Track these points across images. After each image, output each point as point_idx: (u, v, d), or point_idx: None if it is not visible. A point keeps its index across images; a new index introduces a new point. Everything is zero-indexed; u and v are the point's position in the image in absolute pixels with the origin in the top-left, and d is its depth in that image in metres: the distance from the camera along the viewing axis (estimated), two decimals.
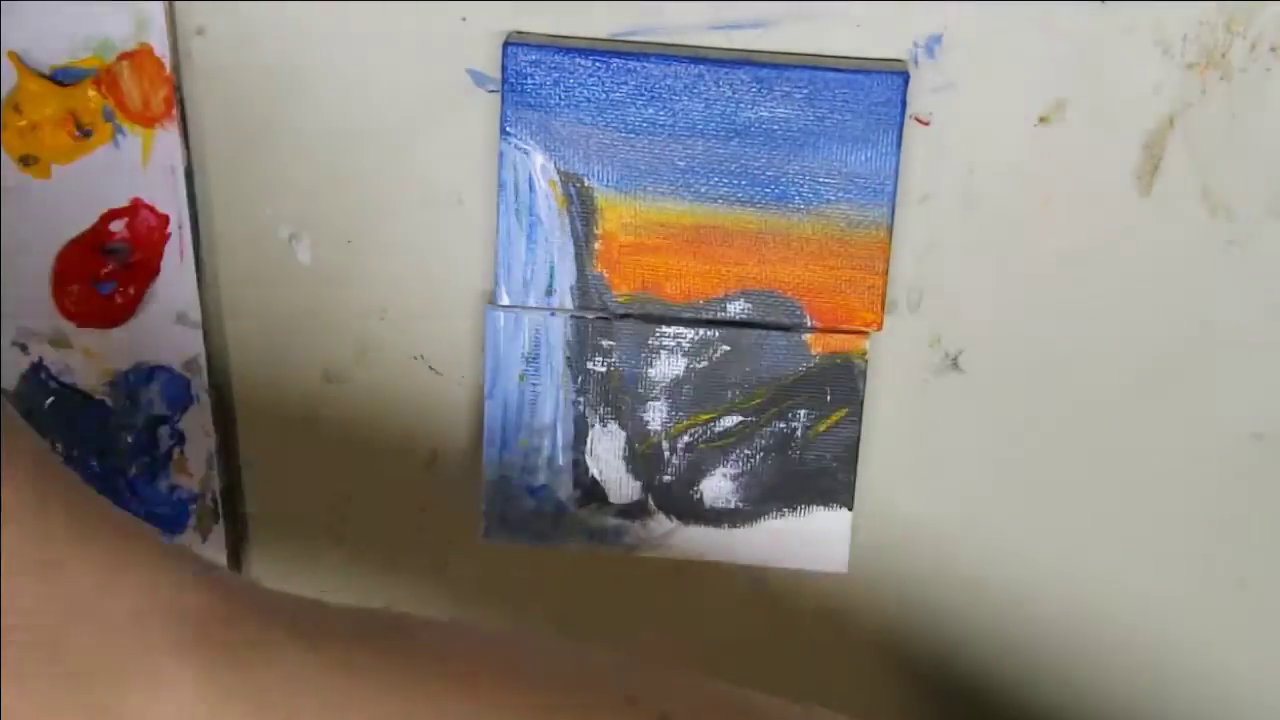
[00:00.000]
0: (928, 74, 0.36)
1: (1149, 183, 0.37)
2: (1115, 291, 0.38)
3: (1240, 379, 0.38)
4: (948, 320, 0.38)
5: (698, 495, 0.38)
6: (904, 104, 0.35)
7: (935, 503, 0.40)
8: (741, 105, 0.36)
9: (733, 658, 0.42)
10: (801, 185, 0.36)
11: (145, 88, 0.37)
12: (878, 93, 0.35)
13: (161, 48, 0.37)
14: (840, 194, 0.36)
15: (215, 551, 0.41)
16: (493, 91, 0.37)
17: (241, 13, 0.37)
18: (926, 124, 0.37)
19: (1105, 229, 0.37)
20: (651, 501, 0.38)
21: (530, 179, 0.36)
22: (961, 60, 0.36)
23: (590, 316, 0.37)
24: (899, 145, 0.36)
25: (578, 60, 0.35)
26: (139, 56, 0.37)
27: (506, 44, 0.35)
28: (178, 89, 0.37)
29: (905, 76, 0.35)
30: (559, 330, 0.37)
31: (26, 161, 0.37)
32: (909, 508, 0.40)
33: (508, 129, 0.36)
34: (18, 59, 0.37)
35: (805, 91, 0.35)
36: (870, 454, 0.39)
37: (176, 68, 0.37)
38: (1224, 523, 0.40)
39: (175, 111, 0.37)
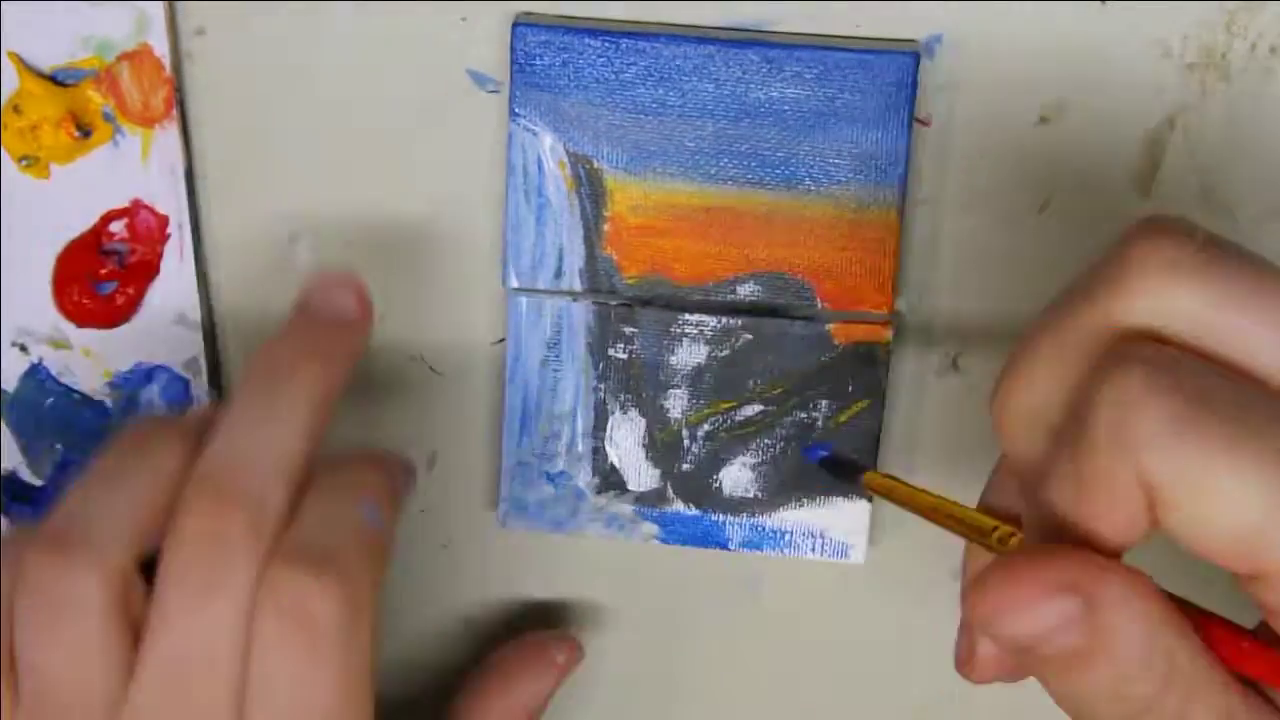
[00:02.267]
0: (928, 74, 0.36)
1: (1149, 183, 0.37)
2: None
3: None
4: (948, 320, 0.38)
5: (717, 484, 0.38)
6: (915, 85, 0.35)
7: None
8: (752, 86, 0.35)
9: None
10: (812, 166, 0.36)
11: (145, 88, 0.37)
12: (889, 73, 0.35)
13: (161, 48, 0.37)
14: (850, 175, 0.36)
15: None
16: (493, 92, 0.37)
17: (241, 13, 0.37)
18: (927, 124, 0.37)
19: (1105, 229, 0.37)
20: (670, 490, 0.38)
21: (539, 160, 0.36)
22: (961, 60, 0.36)
23: (613, 303, 0.37)
24: (910, 126, 0.35)
25: (587, 41, 0.35)
26: (139, 56, 0.37)
27: (515, 24, 0.35)
28: (178, 89, 0.37)
29: (916, 57, 0.35)
30: (581, 316, 0.37)
31: (26, 161, 0.37)
32: (899, 509, 0.40)
33: (516, 110, 0.36)
34: (18, 59, 0.37)
35: (816, 72, 0.35)
36: (881, 452, 0.39)
37: (176, 68, 0.37)
38: None
39: (175, 111, 0.37)
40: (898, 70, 0.35)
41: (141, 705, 0.30)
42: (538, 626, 0.42)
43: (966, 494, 0.40)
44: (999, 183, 0.37)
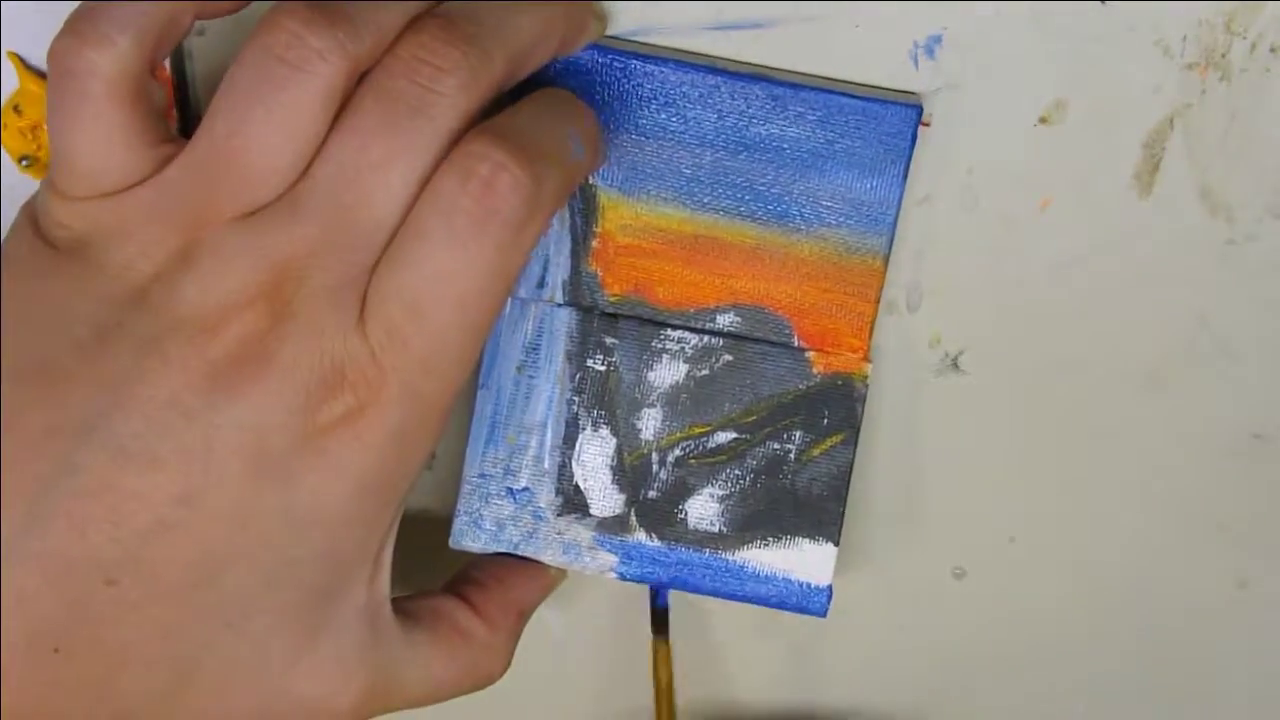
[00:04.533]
0: (928, 74, 0.36)
1: (1149, 183, 0.37)
2: (1115, 291, 0.38)
3: (1240, 379, 0.38)
4: (948, 320, 0.38)
5: (682, 515, 0.38)
6: (914, 138, 0.36)
7: (932, 500, 0.40)
8: (754, 121, 0.36)
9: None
10: (804, 206, 0.36)
11: None
12: (890, 123, 0.35)
13: None
14: (841, 219, 0.36)
15: None
16: None
17: (241, 13, 0.37)
18: (926, 124, 0.37)
19: (1105, 229, 0.37)
20: (634, 517, 0.38)
21: None
22: (961, 60, 0.36)
23: (597, 311, 0.37)
24: (905, 177, 0.36)
25: (594, 58, 0.35)
26: None
27: None
28: (178, 89, 0.37)
29: (919, 110, 0.35)
30: (563, 322, 0.37)
31: (26, 162, 0.37)
32: (900, 509, 0.40)
33: None
34: (18, 59, 0.37)
35: (818, 114, 0.35)
36: (866, 454, 0.39)
37: (177, 68, 0.37)
38: (1224, 523, 0.40)
39: (175, 111, 0.37)
40: (899, 121, 0.35)
41: (302, 201, 0.29)
42: (539, 627, 0.42)
43: (967, 495, 0.40)
44: (999, 183, 0.37)
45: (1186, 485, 0.39)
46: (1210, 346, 0.38)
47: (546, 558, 0.38)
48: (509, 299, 0.37)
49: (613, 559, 0.38)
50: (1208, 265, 0.37)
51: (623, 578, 0.38)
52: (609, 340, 0.37)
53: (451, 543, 0.38)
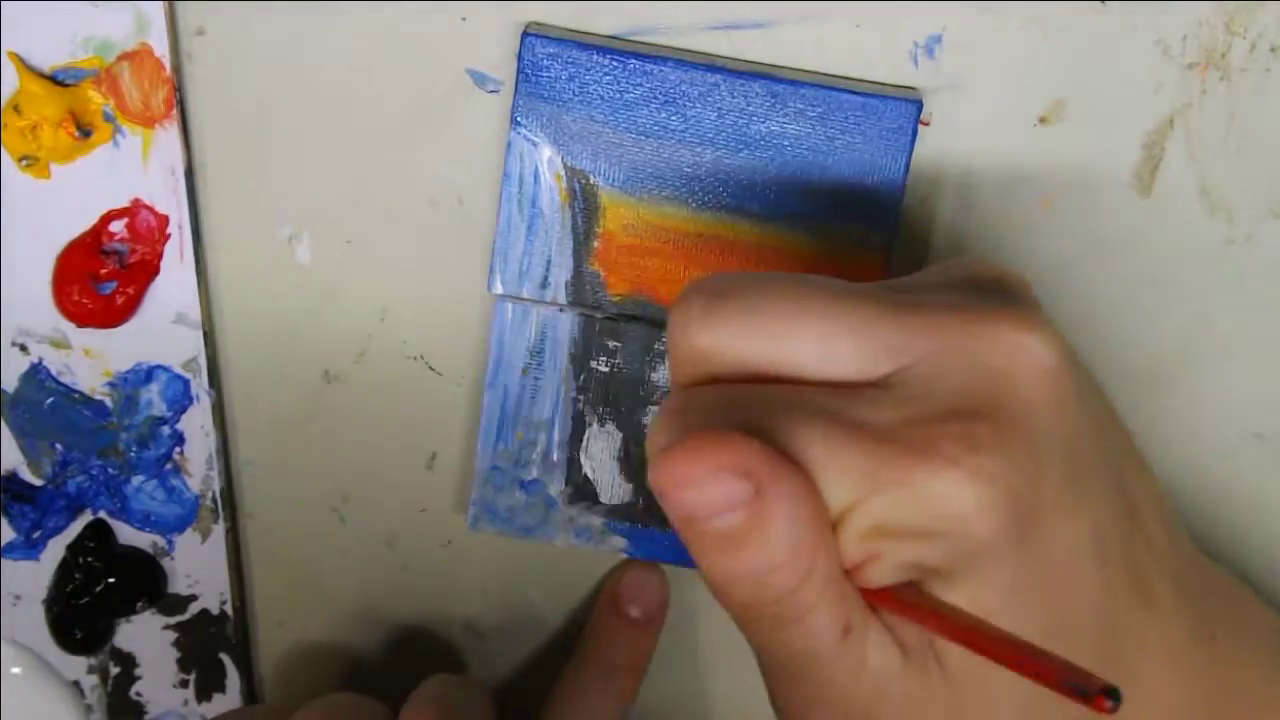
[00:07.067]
0: (928, 74, 0.36)
1: (1149, 183, 0.37)
2: (1115, 291, 0.38)
3: (1240, 379, 0.38)
4: None
5: None
6: (914, 132, 0.35)
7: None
8: (754, 118, 0.36)
9: (719, 662, 0.42)
10: (805, 203, 0.36)
11: (145, 88, 0.37)
12: (890, 119, 0.35)
13: (161, 48, 0.37)
14: (843, 215, 0.36)
15: (214, 553, 0.41)
16: (493, 92, 0.37)
17: (241, 13, 0.37)
18: (926, 124, 0.37)
19: (1105, 229, 0.37)
20: (642, 505, 0.38)
21: (536, 171, 0.36)
22: (961, 60, 0.36)
23: (599, 316, 0.37)
24: (906, 172, 0.36)
25: (595, 57, 0.35)
26: (139, 56, 0.37)
27: (525, 34, 0.35)
28: (178, 89, 0.37)
29: (919, 105, 0.35)
30: (566, 327, 0.37)
31: (26, 161, 0.37)
32: None
33: (518, 119, 0.36)
34: (18, 59, 0.37)
35: (818, 110, 0.36)
36: None
37: (177, 68, 0.37)
38: (1224, 522, 0.40)
39: (175, 111, 0.37)
40: (898, 116, 0.35)
41: None
42: (540, 628, 0.42)
43: None
44: (999, 183, 0.37)
45: (1186, 485, 0.39)
46: (1210, 346, 0.38)
47: (560, 541, 0.39)
48: (506, 308, 0.37)
49: (623, 541, 0.39)
50: (1208, 265, 0.37)
51: (633, 557, 0.39)
52: (611, 344, 0.37)
53: (468, 526, 0.39)
